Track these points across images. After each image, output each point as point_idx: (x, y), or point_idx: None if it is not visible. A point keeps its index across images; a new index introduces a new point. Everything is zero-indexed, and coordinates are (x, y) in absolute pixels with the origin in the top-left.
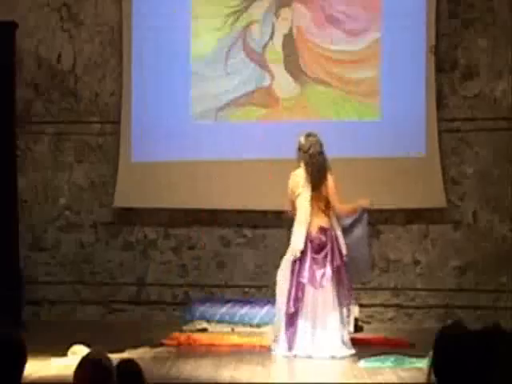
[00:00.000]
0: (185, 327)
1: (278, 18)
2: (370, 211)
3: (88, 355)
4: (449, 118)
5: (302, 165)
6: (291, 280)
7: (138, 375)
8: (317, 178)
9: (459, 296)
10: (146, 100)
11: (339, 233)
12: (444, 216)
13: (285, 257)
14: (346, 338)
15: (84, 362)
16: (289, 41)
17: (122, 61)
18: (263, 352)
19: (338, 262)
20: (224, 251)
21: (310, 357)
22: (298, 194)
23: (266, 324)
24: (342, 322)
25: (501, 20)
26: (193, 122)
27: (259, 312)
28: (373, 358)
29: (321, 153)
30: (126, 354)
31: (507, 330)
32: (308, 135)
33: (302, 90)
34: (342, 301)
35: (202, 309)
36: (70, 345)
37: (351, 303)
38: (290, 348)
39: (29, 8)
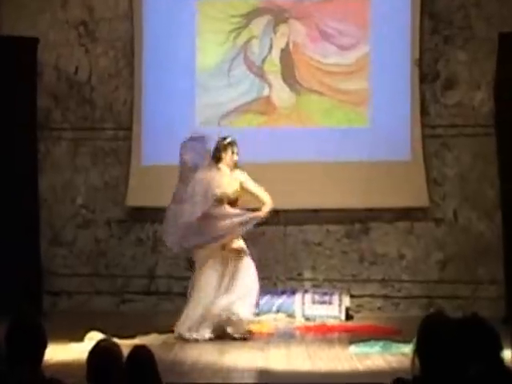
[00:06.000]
0: None
1: (275, 33)
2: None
3: (98, 343)
4: (431, 125)
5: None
6: None
7: (150, 360)
8: None
9: (441, 287)
10: (156, 108)
11: None
12: (427, 214)
13: None
14: None
15: (95, 350)
16: (286, 54)
17: (134, 73)
18: (263, 338)
19: None
20: None
21: None
22: None
23: (265, 313)
24: None
25: (478, 36)
26: (198, 128)
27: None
28: (362, 344)
29: None
30: (137, 341)
31: (484, 319)
32: None
33: (297, 99)
34: None
35: None
36: (87, 331)
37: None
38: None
39: (50, 25)
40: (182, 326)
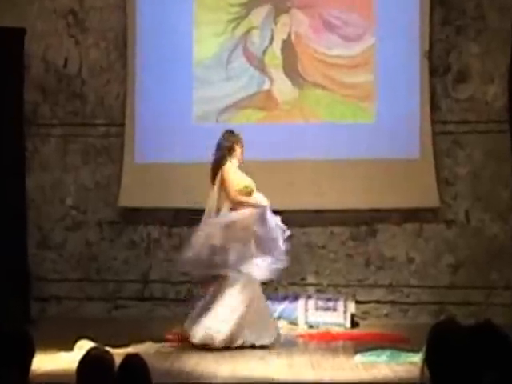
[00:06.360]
0: None
1: (276, 24)
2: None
3: (89, 352)
4: (442, 121)
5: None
6: None
7: (143, 369)
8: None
9: (452, 293)
10: (150, 103)
11: None
12: (437, 215)
13: None
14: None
15: (85, 359)
16: (287, 46)
17: (127, 65)
18: (263, 347)
19: None
20: None
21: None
22: None
23: None
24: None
25: (492, 26)
26: (194, 124)
27: None
28: (369, 353)
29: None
30: (130, 349)
31: (498, 326)
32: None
33: (300, 93)
34: None
35: None
36: (77, 340)
37: None
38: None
39: (37, 15)
40: (233, 338)
